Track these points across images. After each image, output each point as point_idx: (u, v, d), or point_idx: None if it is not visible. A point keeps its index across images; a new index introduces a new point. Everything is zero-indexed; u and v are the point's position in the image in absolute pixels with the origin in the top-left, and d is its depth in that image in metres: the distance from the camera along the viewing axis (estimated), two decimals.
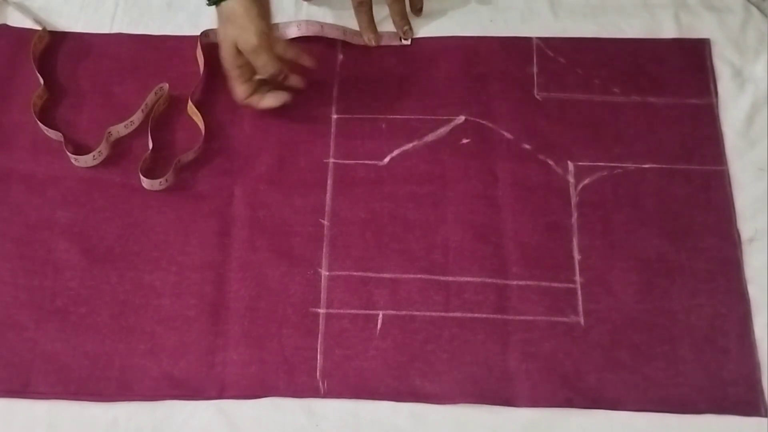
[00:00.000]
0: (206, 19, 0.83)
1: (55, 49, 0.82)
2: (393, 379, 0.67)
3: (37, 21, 0.83)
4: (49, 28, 0.82)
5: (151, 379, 0.68)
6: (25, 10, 0.83)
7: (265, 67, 0.72)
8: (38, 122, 0.77)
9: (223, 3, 0.70)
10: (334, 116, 0.78)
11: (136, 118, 0.77)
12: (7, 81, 0.80)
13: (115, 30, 0.83)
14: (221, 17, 0.71)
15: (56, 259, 0.72)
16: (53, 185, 0.75)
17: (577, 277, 0.70)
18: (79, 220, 0.73)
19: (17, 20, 0.83)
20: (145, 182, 0.74)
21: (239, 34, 0.70)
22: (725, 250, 0.71)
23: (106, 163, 0.76)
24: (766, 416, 0.65)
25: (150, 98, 0.77)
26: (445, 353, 0.68)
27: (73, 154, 0.75)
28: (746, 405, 0.65)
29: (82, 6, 0.84)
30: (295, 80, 0.76)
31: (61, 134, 0.76)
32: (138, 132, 0.77)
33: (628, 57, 0.80)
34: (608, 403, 0.66)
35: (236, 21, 0.70)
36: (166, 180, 0.74)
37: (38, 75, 0.78)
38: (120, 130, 0.77)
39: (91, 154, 0.75)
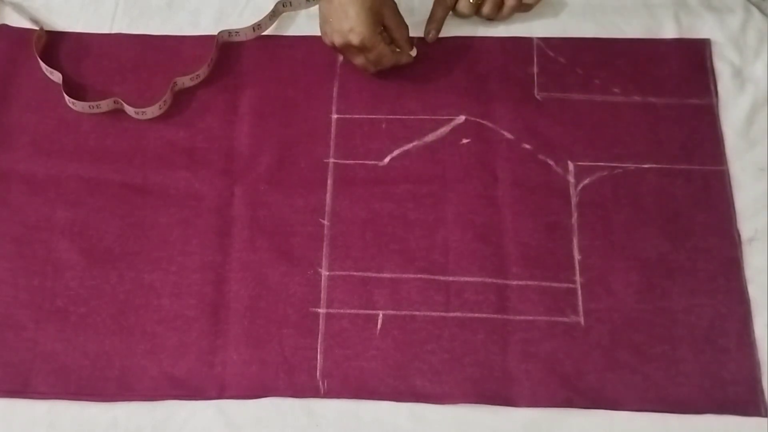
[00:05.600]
0: (206, 19, 0.83)
1: (54, 49, 0.82)
2: (393, 379, 0.67)
3: (35, 21, 0.82)
4: (48, 28, 0.82)
5: (151, 379, 0.68)
6: (22, 10, 0.83)
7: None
8: (70, 101, 0.77)
9: None
10: (334, 116, 0.78)
11: (202, 72, 0.78)
12: (7, 81, 0.80)
13: (115, 30, 0.83)
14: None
15: (56, 259, 0.72)
16: (53, 185, 0.75)
17: (577, 277, 0.70)
18: (79, 220, 0.73)
19: (14, 21, 0.83)
20: (129, 110, 0.77)
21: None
22: (725, 250, 0.71)
23: (106, 162, 0.76)
24: (766, 416, 0.65)
25: (214, 54, 0.79)
26: (445, 353, 0.68)
27: (134, 107, 0.77)
28: (746, 405, 0.65)
29: (81, 6, 0.84)
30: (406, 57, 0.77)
31: (117, 99, 0.77)
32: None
33: (628, 57, 0.80)
34: (608, 403, 0.66)
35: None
36: (165, 102, 0.77)
37: (52, 70, 0.79)
38: (185, 81, 0.78)
39: (157, 105, 0.77)
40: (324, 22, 0.73)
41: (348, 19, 0.70)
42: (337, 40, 0.73)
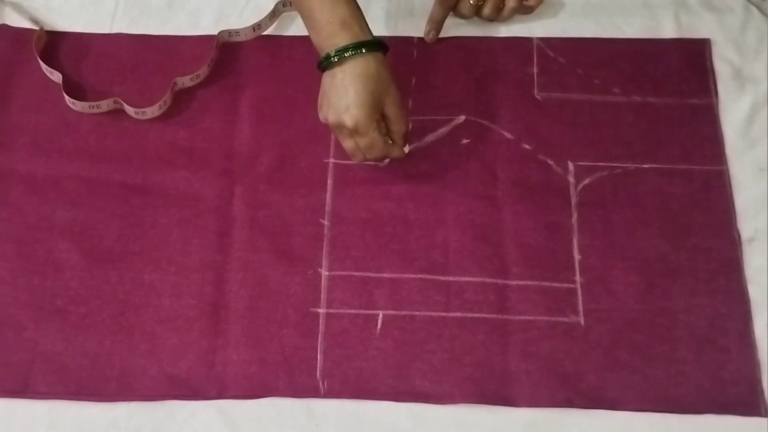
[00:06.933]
0: (206, 19, 0.83)
1: (54, 49, 0.82)
2: (393, 379, 0.67)
3: (35, 21, 0.82)
4: (48, 28, 0.82)
5: (151, 379, 0.68)
6: (21, 10, 0.83)
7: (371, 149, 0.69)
8: (70, 101, 0.77)
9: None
10: None
11: (202, 72, 0.78)
12: (7, 81, 0.80)
13: (115, 30, 0.83)
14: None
15: (56, 259, 0.72)
16: (53, 185, 0.75)
17: (577, 277, 0.70)
18: (79, 220, 0.73)
19: (14, 21, 0.83)
20: (130, 110, 0.76)
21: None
22: (725, 250, 0.71)
23: (106, 162, 0.76)
24: (766, 416, 0.65)
25: (214, 54, 0.79)
26: (445, 353, 0.68)
27: (134, 107, 0.76)
28: (746, 405, 0.65)
29: (81, 6, 0.84)
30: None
31: (117, 99, 0.77)
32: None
33: (628, 57, 0.80)
34: (608, 403, 0.66)
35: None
36: (165, 102, 0.77)
37: (52, 70, 0.79)
38: (185, 81, 0.78)
39: (157, 105, 0.76)
40: (322, 96, 0.69)
41: (347, 98, 0.66)
42: (331, 118, 0.67)
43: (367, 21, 0.81)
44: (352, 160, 0.72)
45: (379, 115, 0.68)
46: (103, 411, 0.67)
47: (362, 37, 0.66)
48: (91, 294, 0.71)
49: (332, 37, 0.66)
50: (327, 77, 0.68)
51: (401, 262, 0.71)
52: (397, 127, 0.70)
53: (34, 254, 0.72)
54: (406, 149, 0.72)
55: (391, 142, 0.71)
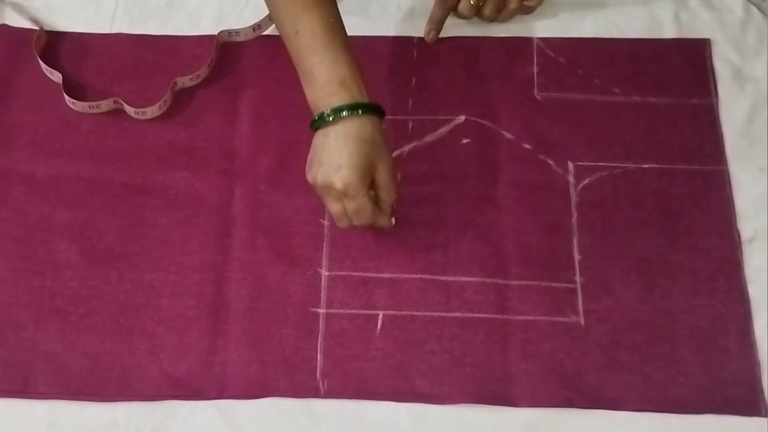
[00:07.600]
0: (206, 19, 0.83)
1: (54, 49, 0.82)
2: (393, 379, 0.67)
3: (34, 21, 0.83)
4: (48, 28, 0.82)
5: (151, 379, 0.68)
6: (22, 10, 0.83)
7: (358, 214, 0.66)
8: (70, 101, 0.77)
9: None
10: None
11: (202, 72, 0.78)
12: (7, 81, 0.80)
13: (115, 30, 0.83)
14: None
15: (56, 259, 0.72)
16: (53, 185, 0.75)
17: (577, 277, 0.70)
18: (79, 220, 0.73)
19: (14, 21, 0.83)
20: (129, 110, 0.77)
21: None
22: (725, 250, 0.71)
23: (106, 162, 0.76)
24: (766, 416, 0.65)
25: (214, 54, 0.79)
26: (445, 353, 0.68)
27: (134, 107, 0.76)
28: (746, 405, 0.65)
29: (81, 6, 0.84)
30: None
31: (117, 99, 0.77)
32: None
33: (628, 57, 0.80)
34: (608, 403, 0.66)
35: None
36: (165, 102, 0.77)
37: (51, 70, 0.79)
38: (185, 81, 0.78)
39: (157, 105, 0.76)
40: (313, 155, 0.66)
41: (339, 158, 0.63)
42: (320, 178, 0.64)
43: (367, 21, 0.82)
44: (338, 224, 0.68)
45: (370, 181, 0.65)
46: (103, 411, 0.67)
47: (360, 99, 0.64)
48: (91, 294, 0.71)
49: (329, 96, 0.64)
50: (320, 136, 0.65)
51: (401, 262, 0.71)
52: (387, 195, 0.67)
53: (34, 254, 0.72)
54: (393, 221, 0.70)
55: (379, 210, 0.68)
